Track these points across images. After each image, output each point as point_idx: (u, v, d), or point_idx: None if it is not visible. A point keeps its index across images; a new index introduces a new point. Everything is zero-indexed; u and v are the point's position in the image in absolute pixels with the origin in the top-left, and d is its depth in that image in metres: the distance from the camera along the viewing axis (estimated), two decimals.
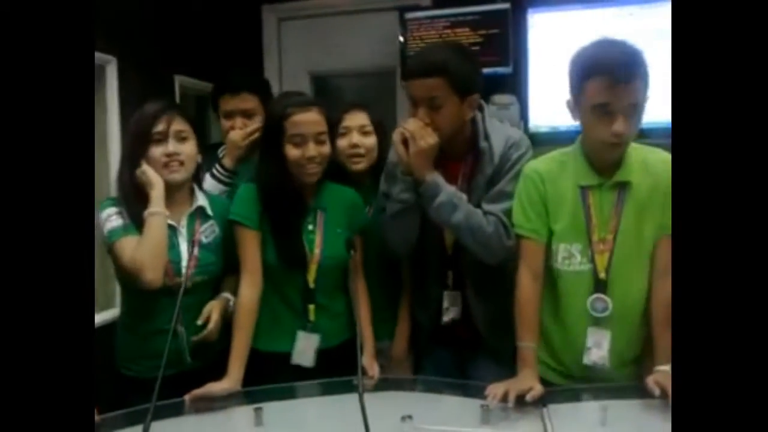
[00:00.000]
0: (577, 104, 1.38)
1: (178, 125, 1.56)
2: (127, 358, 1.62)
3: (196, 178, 1.67)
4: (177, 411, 1.37)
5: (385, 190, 1.67)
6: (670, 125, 0.83)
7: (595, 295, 1.41)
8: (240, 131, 1.89)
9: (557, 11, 2.62)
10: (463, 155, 1.61)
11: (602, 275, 1.40)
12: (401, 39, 2.79)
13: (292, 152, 1.55)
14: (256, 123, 1.90)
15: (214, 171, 1.89)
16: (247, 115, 1.92)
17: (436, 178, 1.54)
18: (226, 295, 1.63)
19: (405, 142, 1.53)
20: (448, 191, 1.54)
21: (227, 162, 1.89)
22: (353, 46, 3.06)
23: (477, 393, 1.39)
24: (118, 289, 2.30)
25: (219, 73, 2.01)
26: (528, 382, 1.35)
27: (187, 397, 1.40)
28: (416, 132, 1.51)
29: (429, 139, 1.51)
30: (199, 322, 1.56)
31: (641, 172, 1.40)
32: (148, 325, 1.57)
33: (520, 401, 1.32)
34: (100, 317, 2.25)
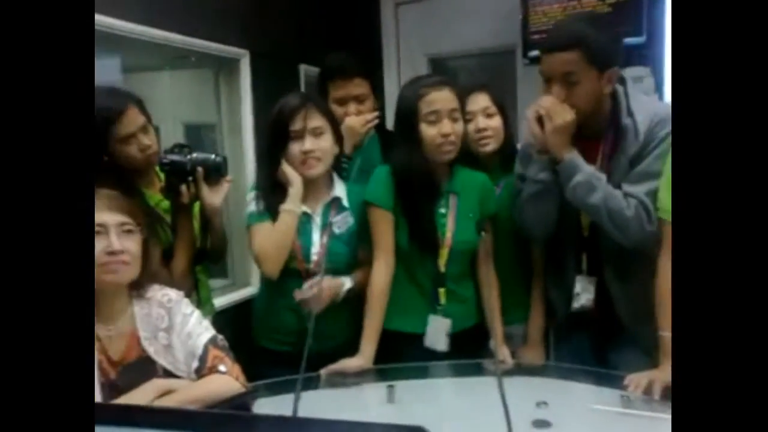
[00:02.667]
0: None
1: (314, 121, 1.58)
2: (262, 331, 1.72)
3: (335, 166, 1.70)
4: (313, 385, 1.44)
5: (521, 172, 1.63)
6: None
7: None
8: (359, 118, 1.88)
9: None
10: (602, 133, 1.52)
11: None
12: (522, 15, 2.69)
13: (427, 131, 1.56)
14: (367, 108, 1.91)
15: None
16: (360, 100, 1.90)
17: (574, 156, 1.47)
18: (342, 279, 1.63)
19: (540, 120, 1.47)
20: (586, 171, 1.46)
21: (345, 148, 1.86)
22: (471, 27, 3.00)
23: (614, 382, 1.33)
24: (255, 269, 2.47)
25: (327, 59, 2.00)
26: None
27: (322, 372, 1.46)
28: (552, 109, 1.45)
29: (566, 115, 1.44)
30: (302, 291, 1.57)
31: None
32: (280, 302, 1.65)
33: (667, 393, 1.24)
34: (239, 294, 2.43)
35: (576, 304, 1.58)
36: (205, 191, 1.53)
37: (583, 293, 1.58)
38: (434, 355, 1.59)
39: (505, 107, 1.81)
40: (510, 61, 2.97)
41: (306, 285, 1.57)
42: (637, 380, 1.28)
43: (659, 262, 1.39)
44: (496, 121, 1.77)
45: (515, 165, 1.67)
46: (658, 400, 1.24)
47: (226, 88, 2.47)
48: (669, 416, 1.21)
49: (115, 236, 1.22)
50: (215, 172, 1.53)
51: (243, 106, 2.43)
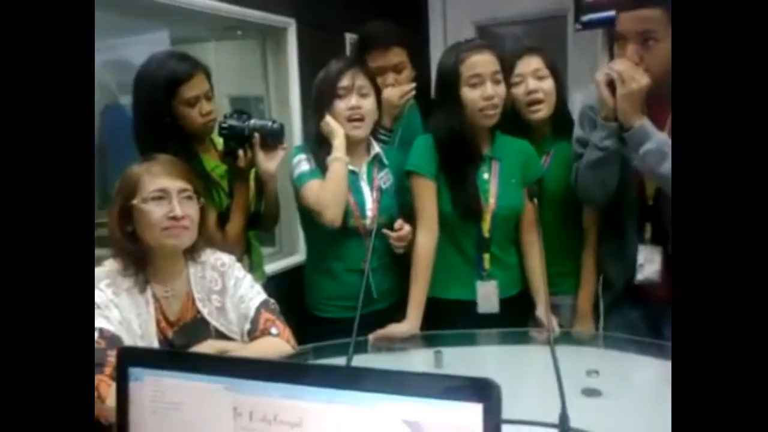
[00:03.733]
0: None
1: (361, 81, 1.62)
2: (317, 298, 1.74)
3: (373, 134, 1.72)
4: (361, 349, 1.46)
5: (581, 136, 1.57)
6: None
7: None
8: (396, 89, 1.87)
9: None
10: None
11: None
12: None
13: (469, 94, 1.54)
14: (405, 77, 1.89)
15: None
16: (398, 69, 1.89)
17: (645, 123, 1.40)
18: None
19: (611, 84, 1.40)
20: (658, 138, 1.39)
21: (385, 121, 1.86)
22: None
23: (665, 353, 1.30)
24: (301, 237, 2.51)
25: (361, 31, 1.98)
26: None
27: (370, 336, 1.48)
28: (626, 72, 1.37)
29: (640, 79, 1.37)
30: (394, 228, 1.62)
31: None
32: (338, 265, 1.68)
33: None
34: (286, 262, 2.48)
35: (640, 276, 1.52)
36: (261, 157, 1.56)
37: (648, 264, 1.51)
38: (478, 322, 1.59)
39: (558, 71, 1.75)
40: (560, 27, 2.88)
41: (396, 225, 1.60)
42: None
43: None
44: (548, 84, 1.71)
45: (574, 128, 1.62)
46: None
47: (273, 58, 2.49)
48: None
49: (177, 202, 1.26)
50: (272, 138, 1.56)
51: (290, 75, 2.44)
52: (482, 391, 0.47)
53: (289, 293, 1.83)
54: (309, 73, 2.38)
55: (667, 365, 1.28)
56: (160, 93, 1.52)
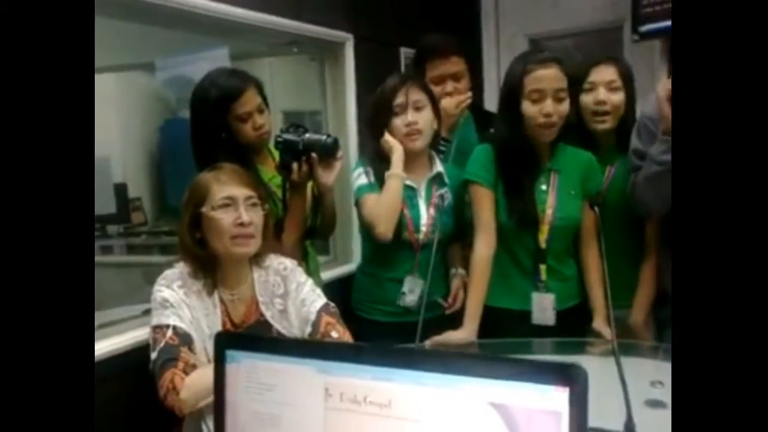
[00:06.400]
0: None
1: (415, 95, 1.66)
2: (364, 301, 1.79)
3: (434, 146, 1.75)
4: None
5: (639, 148, 1.57)
6: None
7: None
8: (452, 99, 1.90)
9: None
10: None
11: None
12: None
13: (529, 109, 1.55)
14: (463, 86, 1.92)
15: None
16: (456, 78, 1.93)
17: None
18: (462, 272, 1.74)
19: (671, 98, 1.39)
20: None
21: (442, 131, 1.89)
22: (575, 4, 2.91)
23: None
24: (355, 246, 2.55)
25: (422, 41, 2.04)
26: None
27: (428, 342, 1.50)
28: None
29: None
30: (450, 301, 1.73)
31: None
32: (387, 273, 1.72)
33: None
34: (340, 270, 2.52)
35: None
36: (319, 170, 1.60)
37: None
38: (534, 332, 1.59)
39: (632, 83, 1.72)
40: (616, 38, 2.85)
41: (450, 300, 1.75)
42: None
43: None
44: (619, 97, 1.69)
45: (632, 139, 1.62)
46: None
47: (330, 72, 2.55)
48: None
49: (243, 209, 1.32)
50: (326, 152, 1.59)
51: (347, 90, 2.50)
52: (570, 375, 0.49)
53: (343, 300, 1.87)
54: (365, 87, 2.44)
55: None
56: (213, 110, 1.58)
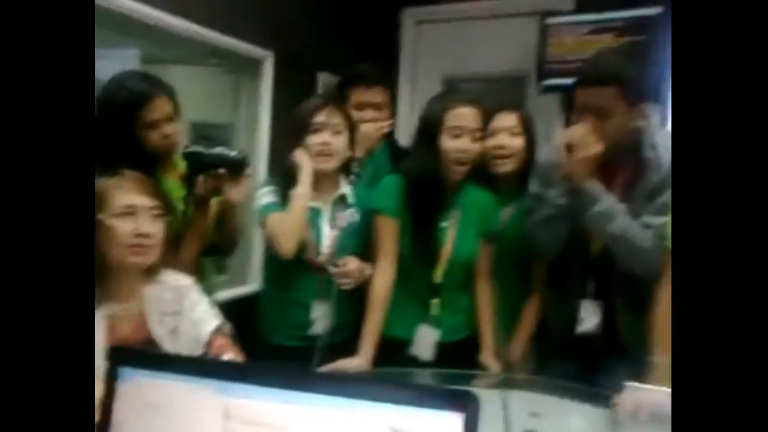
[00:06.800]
0: None
1: (335, 119, 1.67)
2: (269, 326, 1.76)
3: (345, 168, 1.77)
4: None
5: (537, 193, 1.67)
6: None
7: None
8: (374, 125, 1.95)
9: None
10: (621, 162, 1.56)
11: None
12: (538, 45, 2.77)
13: (448, 144, 1.60)
14: (384, 116, 1.98)
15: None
16: (378, 108, 1.98)
17: (596, 186, 1.51)
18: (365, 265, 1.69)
19: (569, 147, 1.51)
20: (607, 201, 1.50)
21: (358, 154, 1.91)
22: (488, 51, 3.08)
23: (605, 402, 1.37)
24: (252, 267, 2.50)
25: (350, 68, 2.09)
26: (660, 396, 1.31)
27: (321, 370, 1.49)
28: (582, 139, 1.48)
29: (595, 147, 1.48)
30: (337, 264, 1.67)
31: None
32: (289, 296, 1.70)
33: (654, 416, 1.29)
34: (236, 291, 2.45)
35: (581, 328, 1.60)
36: (227, 186, 1.57)
37: (589, 318, 1.60)
38: (423, 363, 1.64)
39: (532, 129, 1.83)
40: (522, 89, 3.04)
41: (342, 260, 1.66)
42: (626, 400, 1.32)
43: (658, 290, 1.42)
44: (519, 142, 1.78)
45: (531, 184, 1.72)
46: (645, 420, 1.29)
47: (246, 88, 2.52)
48: None
49: (144, 219, 1.26)
50: (233, 168, 1.56)
51: (262, 107, 2.48)
52: (464, 401, 0.51)
53: (238, 322, 1.81)
54: (280, 106, 2.43)
55: (602, 413, 1.36)
56: (120, 114, 1.51)
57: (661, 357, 1.39)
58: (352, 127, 1.73)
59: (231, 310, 2.25)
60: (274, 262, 1.71)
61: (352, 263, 1.65)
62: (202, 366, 0.58)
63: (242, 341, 1.45)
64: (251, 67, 2.49)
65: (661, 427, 1.27)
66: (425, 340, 1.65)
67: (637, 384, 1.31)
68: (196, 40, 2.18)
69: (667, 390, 1.33)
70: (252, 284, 2.51)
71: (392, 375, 1.52)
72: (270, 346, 1.72)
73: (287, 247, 1.60)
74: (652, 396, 1.31)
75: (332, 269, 1.64)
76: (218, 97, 2.57)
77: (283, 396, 0.55)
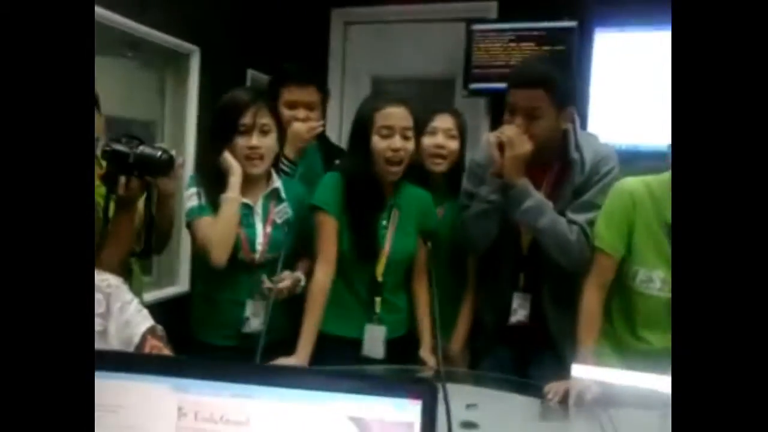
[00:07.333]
0: None
1: (263, 118, 1.62)
2: (202, 326, 1.71)
3: (275, 164, 1.74)
4: None
5: (469, 189, 1.73)
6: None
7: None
8: (306, 125, 1.94)
9: (623, 32, 2.67)
10: (549, 163, 1.65)
11: None
12: (465, 50, 2.86)
13: (379, 144, 1.62)
14: (316, 116, 1.98)
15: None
16: (310, 107, 1.97)
17: (526, 183, 1.59)
18: (299, 274, 1.69)
19: (500, 146, 1.58)
20: (536, 197, 1.59)
21: (290, 153, 1.91)
22: (416, 54, 3.13)
23: (537, 392, 1.44)
24: (181, 267, 2.43)
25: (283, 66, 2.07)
26: (588, 382, 1.40)
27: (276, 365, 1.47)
28: (513, 138, 1.56)
29: (525, 146, 1.56)
30: (273, 281, 1.61)
31: None
32: (223, 296, 1.66)
33: (580, 401, 1.36)
34: (163, 292, 2.37)
35: (513, 319, 1.69)
36: (158, 181, 1.49)
37: (520, 309, 1.68)
38: (367, 360, 1.64)
39: (466, 133, 1.92)
40: (449, 92, 3.12)
41: (277, 276, 1.60)
42: (555, 388, 1.40)
43: (585, 283, 1.54)
44: (455, 144, 1.88)
45: (462, 181, 1.78)
46: (572, 406, 1.37)
47: (171, 83, 2.44)
48: (581, 420, 1.36)
49: None
50: (158, 170, 1.46)
51: (188, 103, 2.40)
52: (422, 389, 0.53)
53: (167, 324, 1.75)
54: (208, 102, 2.37)
55: (535, 402, 1.42)
56: None
57: (586, 347, 1.48)
58: (281, 125, 1.71)
59: (157, 311, 2.19)
60: (205, 262, 1.65)
61: (288, 279, 1.62)
62: (157, 364, 0.56)
63: (174, 343, 1.40)
64: (176, 62, 2.41)
65: (591, 412, 1.36)
66: (375, 339, 1.66)
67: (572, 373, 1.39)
68: (117, 30, 2.08)
69: (593, 379, 1.42)
70: (180, 286, 2.43)
71: (335, 373, 1.52)
72: (203, 346, 1.67)
73: (218, 257, 1.57)
74: (578, 385, 1.39)
75: (267, 286, 1.60)
76: (138, 92, 2.46)
77: (241, 390, 0.55)
